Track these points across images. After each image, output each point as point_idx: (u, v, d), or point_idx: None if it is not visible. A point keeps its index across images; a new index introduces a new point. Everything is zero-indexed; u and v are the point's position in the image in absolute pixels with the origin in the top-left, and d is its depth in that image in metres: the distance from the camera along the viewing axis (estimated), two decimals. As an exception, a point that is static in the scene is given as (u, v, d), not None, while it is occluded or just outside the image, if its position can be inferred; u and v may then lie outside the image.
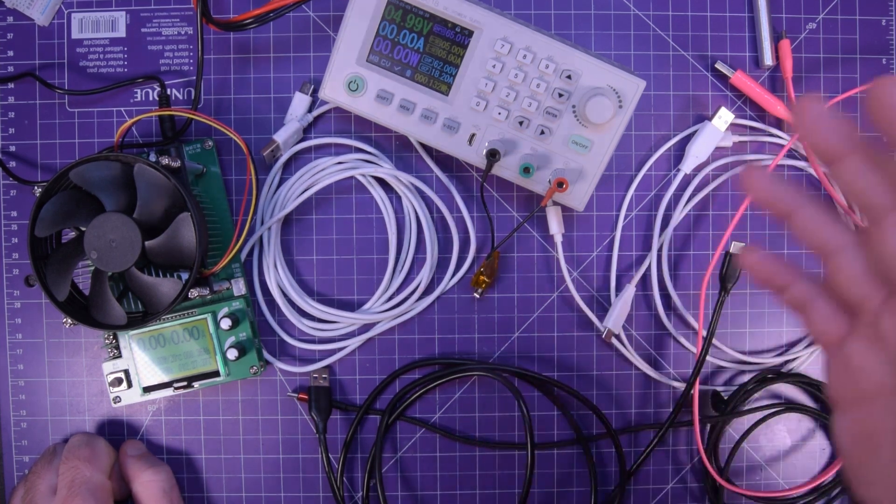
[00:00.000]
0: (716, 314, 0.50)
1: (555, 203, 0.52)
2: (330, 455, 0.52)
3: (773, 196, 0.30)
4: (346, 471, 0.53)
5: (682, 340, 0.53)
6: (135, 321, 0.47)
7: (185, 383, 0.51)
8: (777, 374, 0.53)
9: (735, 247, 0.50)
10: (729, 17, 0.54)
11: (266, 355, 0.52)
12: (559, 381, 0.52)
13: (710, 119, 0.52)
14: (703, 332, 0.51)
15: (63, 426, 0.53)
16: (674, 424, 0.52)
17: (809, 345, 0.54)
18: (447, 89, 0.49)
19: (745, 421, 0.53)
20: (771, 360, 0.54)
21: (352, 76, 0.49)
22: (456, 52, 0.48)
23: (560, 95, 0.48)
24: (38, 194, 0.45)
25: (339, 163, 0.52)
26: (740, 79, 0.52)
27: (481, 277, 0.51)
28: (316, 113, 0.52)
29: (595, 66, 0.47)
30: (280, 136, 0.51)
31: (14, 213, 0.53)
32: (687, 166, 0.52)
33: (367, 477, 0.52)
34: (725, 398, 0.52)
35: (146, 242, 0.45)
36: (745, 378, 0.54)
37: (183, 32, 0.53)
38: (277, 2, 0.47)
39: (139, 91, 0.53)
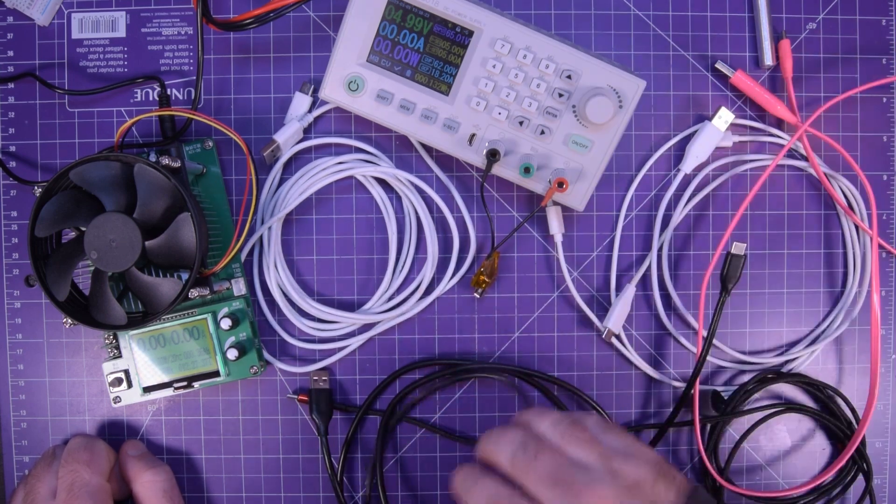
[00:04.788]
0: (716, 315, 0.50)
1: (555, 203, 0.52)
2: (332, 457, 0.52)
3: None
4: (346, 471, 0.53)
5: (683, 340, 0.53)
6: (135, 321, 0.47)
7: (185, 383, 0.51)
8: (777, 374, 0.53)
9: (736, 247, 0.50)
10: (729, 17, 0.54)
11: (266, 355, 0.52)
12: (560, 380, 0.52)
13: (710, 119, 0.52)
14: (703, 332, 0.51)
15: (63, 426, 0.53)
16: (674, 424, 0.52)
17: (809, 345, 0.54)
18: (447, 89, 0.49)
19: (745, 421, 0.53)
20: (771, 360, 0.54)
21: (352, 76, 0.49)
22: (456, 52, 0.48)
23: (560, 95, 0.48)
24: (38, 194, 0.45)
25: (339, 163, 0.52)
26: (740, 79, 0.52)
27: (481, 277, 0.51)
28: (316, 113, 0.52)
29: (595, 66, 0.47)
30: (280, 136, 0.51)
31: (14, 213, 0.53)
32: (687, 166, 0.52)
33: (369, 477, 0.52)
34: (725, 398, 0.52)
35: (146, 242, 0.45)
36: (745, 378, 0.54)
37: (183, 32, 0.53)
38: (277, 2, 0.47)
39: (139, 91, 0.53)
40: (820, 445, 0.54)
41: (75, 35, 0.53)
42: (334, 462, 0.52)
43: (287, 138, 0.51)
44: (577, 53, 0.47)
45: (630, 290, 0.52)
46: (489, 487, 0.39)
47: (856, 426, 0.53)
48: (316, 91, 0.52)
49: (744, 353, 0.54)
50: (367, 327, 0.53)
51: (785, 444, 0.54)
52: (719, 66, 0.53)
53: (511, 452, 0.39)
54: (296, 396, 0.52)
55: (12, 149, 0.53)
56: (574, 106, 0.48)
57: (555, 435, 0.40)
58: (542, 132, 0.49)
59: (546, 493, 0.37)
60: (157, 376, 0.50)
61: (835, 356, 0.54)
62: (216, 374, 0.51)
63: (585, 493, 0.36)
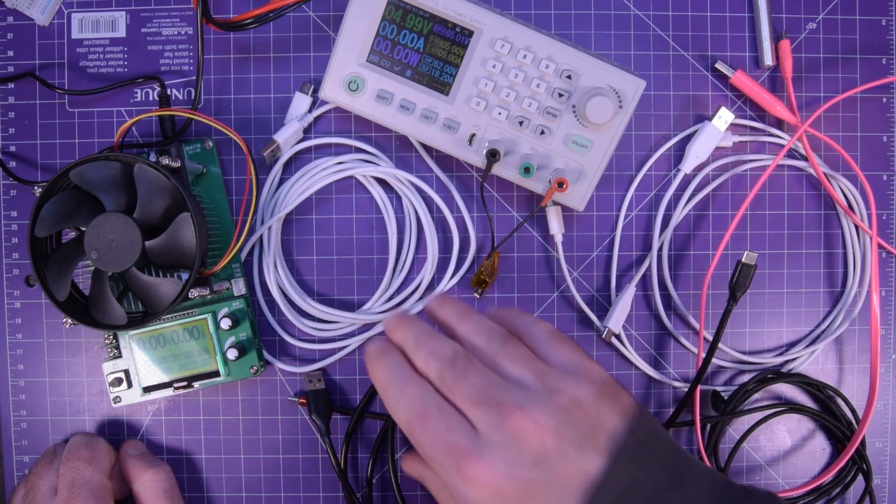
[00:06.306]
0: (722, 323, 0.49)
1: (555, 203, 0.52)
2: (338, 456, 0.52)
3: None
4: (347, 470, 0.53)
5: (683, 340, 0.53)
6: (135, 321, 0.47)
7: (185, 383, 0.51)
8: (777, 374, 0.53)
9: (748, 256, 0.49)
10: (729, 17, 0.54)
11: (266, 355, 0.52)
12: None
13: (710, 119, 0.52)
14: (704, 333, 0.51)
15: (63, 426, 0.53)
16: (674, 424, 0.52)
17: (809, 345, 0.54)
18: (447, 89, 0.49)
19: (745, 421, 0.53)
20: (771, 360, 0.54)
21: (352, 76, 0.49)
22: (456, 52, 0.48)
23: (560, 95, 0.48)
24: (38, 194, 0.45)
25: (339, 163, 0.52)
26: (740, 79, 0.52)
27: (481, 277, 0.51)
28: (316, 113, 0.52)
29: (595, 66, 0.47)
30: (280, 136, 0.51)
31: (14, 213, 0.53)
32: (687, 166, 0.52)
33: (368, 476, 0.52)
34: (725, 398, 0.52)
35: (146, 242, 0.45)
36: (745, 378, 0.54)
37: (183, 32, 0.53)
38: (277, 2, 0.47)
39: (139, 91, 0.53)
40: (820, 446, 0.54)
41: (75, 35, 0.53)
42: (340, 460, 0.52)
43: (287, 138, 0.51)
44: (577, 53, 0.47)
45: (630, 290, 0.52)
46: (415, 394, 0.35)
47: (856, 426, 0.53)
48: (316, 91, 0.52)
49: (744, 353, 0.54)
50: (367, 327, 0.53)
51: (785, 444, 0.54)
52: (719, 66, 0.53)
53: (440, 369, 0.36)
54: (297, 399, 0.52)
55: (12, 149, 0.53)
56: (574, 106, 0.48)
57: (488, 349, 0.37)
58: (542, 132, 0.49)
59: (473, 412, 0.34)
60: (157, 376, 0.50)
61: (835, 356, 0.54)
62: (216, 374, 0.51)
63: (515, 414, 0.33)
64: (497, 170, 0.49)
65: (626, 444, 0.33)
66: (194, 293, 0.47)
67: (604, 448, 0.33)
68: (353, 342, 0.52)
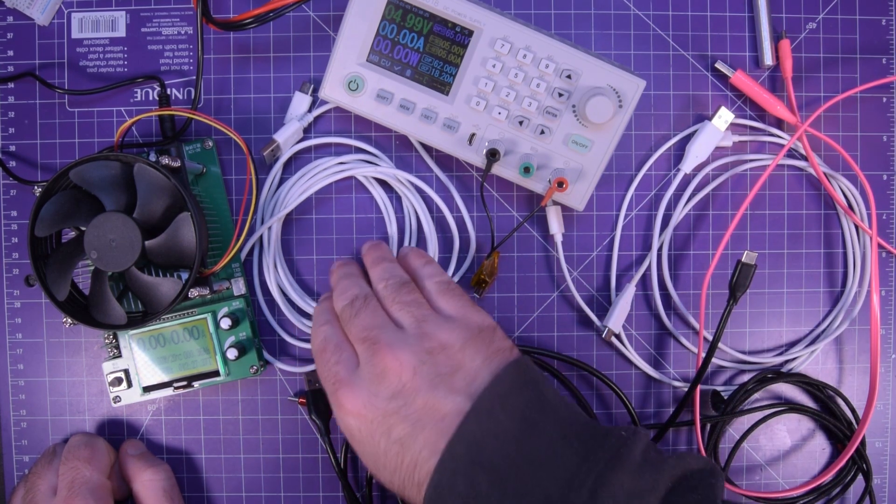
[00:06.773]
0: (722, 322, 0.49)
1: (555, 203, 0.52)
2: (338, 456, 0.52)
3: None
4: (347, 470, 0.53)
5: (683, 340, 0.53)
6: (135, 321, 0.47)
7: (185, 383, 0.51)
8: (777, 374, 0.53)
9: (748, 256, 0.49)
10: (729, 17, 0.54)
11: (266, 355, 0.52)
12: (563, 375, 0.52)
13: (710, 119, 0.52)
14: (704, 333, 0.51)
15: (63, 426, 0.53)
16: (674, 424, 0.52)
17: (809, 345, 0.54)
18: (447, 89, 0.49)
19: (745, 421, 0.53)
20: (771, 360, 0.54)
21: (352, 76, 0.49)
22: (456, 52, 0.48)
23: (560, 95, 0.48)
24: (38, 194, 0.45)
25: (340, 163, 0.52)
26: (740, 79, 0.52)
27: (481, 277, 0.51)
28: (316, 113, 0.52)
29: (595, 66, 0.47)
30: (280, 136, 0.51)
31: (14, 213, 0.53)
32: (687, 166, 0.52)
33: (368, 476, 0.52)
34: (725, 398, 0.52)
35: (146, 242, 0.45)
36: (745, 378, 0.54)
37: (183, 32, 0.53)
38: (277, 2, 0.47)
39: (139, 91, 0.53)
40: (820, 445, 0.54)
41: (75, 35, 0.53)
42: (340, 460, 0.52)
43: (287, 138, 0.51)
44: (577, 53, 0.47)
45: (630, 290, 0.52)
46: (325, 332, 0.42)
47: (856, 426, 0.53)
48: (316, 91, 0.52)
49: (744, 352, 0.54)
50: (367, 327, 0.53)
51: (785, 444, 0.54)
52: (719, 65, 0.53)
53: (342, 307, 0.42)
54: (296, 399, 0.52)
55: (12, 149, 0.53)
56: (574, 106, 0.48)
57: (384, 293, 0.42)
58: (542, 132, 0.49)
59: (357, 346, 0.40)
60: (157, 376, 0.50)
61: (835, 356, 0.54)
62: (216, 373, 0.51)
63: (384, 352, 0.38)
64: (497, 170, 0.49)
65: (485, 390, 0.35)
66: (194, 293, 0.47)
67: (459, 389, 0.36)
68: (353, 342, 0.52)
